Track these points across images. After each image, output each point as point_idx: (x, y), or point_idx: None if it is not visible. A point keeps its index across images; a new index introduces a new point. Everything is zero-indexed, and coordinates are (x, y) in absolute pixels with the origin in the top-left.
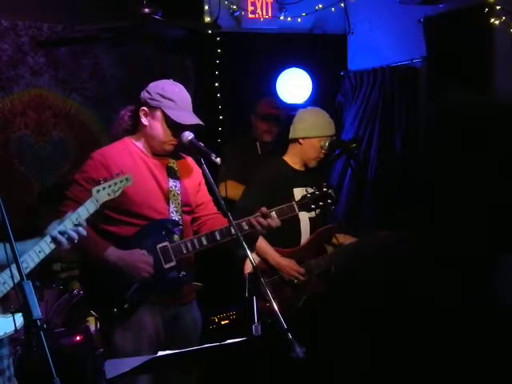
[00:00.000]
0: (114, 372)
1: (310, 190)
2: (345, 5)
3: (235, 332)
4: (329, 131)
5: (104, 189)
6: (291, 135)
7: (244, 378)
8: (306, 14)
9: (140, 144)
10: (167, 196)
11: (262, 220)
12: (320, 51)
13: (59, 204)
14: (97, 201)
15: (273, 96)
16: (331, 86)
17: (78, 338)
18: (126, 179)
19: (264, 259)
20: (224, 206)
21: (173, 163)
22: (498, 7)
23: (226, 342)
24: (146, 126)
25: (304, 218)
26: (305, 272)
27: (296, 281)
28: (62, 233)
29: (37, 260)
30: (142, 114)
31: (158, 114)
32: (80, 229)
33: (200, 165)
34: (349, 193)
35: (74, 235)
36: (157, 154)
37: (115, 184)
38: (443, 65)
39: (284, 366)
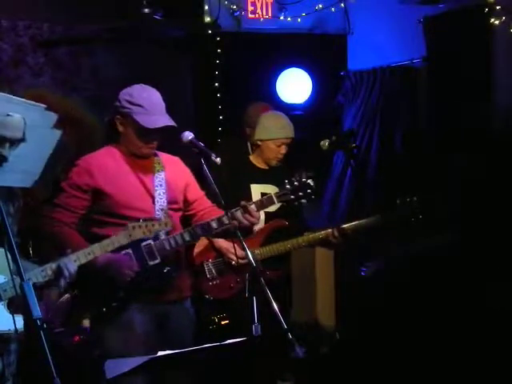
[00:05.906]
0: (114, 372)
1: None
2: (345, 5)
3: (235, 332)
4: (283, 134)
5: (140, 227)
6: (252, 137)
7: (244, 378)
8: (306, 14)
9: (122, 149)
10: (152, 195)
11: (239, 213)
12: (320, 51)
13: (51, 212)
14: (130, 236)
15: (271, 96)
16: (331, 86)
17: (77, 338)
18: (166, 224)
19: (209, 242)
20: (222, 201)
21: (157, 163)
22: (497, 7)
23: (226, 342)
24: (122, 132)
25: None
26: (245, 255)
27: (234, 263)
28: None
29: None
30: (117, 123)
31: (130, 120)
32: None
33: (200, 164)
34: (349, 193)
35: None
36: (139, 156)
37: (153, 225)
38: (443, 65)
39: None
